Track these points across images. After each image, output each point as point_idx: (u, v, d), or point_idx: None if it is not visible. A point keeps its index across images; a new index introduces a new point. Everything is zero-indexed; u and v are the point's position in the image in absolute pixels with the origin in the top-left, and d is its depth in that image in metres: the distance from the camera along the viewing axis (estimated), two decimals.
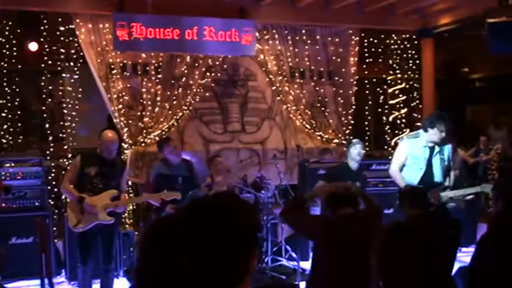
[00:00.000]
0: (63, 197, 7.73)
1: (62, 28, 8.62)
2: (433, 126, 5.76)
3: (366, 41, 10.41)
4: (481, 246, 3.66)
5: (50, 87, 9.40)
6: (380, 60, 11.00)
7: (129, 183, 8.03)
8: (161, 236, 1.62)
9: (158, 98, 8.72)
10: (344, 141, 9.82)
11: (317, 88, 9.77)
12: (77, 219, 5.66)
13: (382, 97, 11.17)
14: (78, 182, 5.71)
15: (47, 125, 9.16)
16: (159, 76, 8.74)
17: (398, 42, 10.70)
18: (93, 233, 5.71)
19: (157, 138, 8.64)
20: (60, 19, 8.61)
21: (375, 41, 10.63)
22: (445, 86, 14.33)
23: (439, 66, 11.76)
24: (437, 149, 5.87)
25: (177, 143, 6.47)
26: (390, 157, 7.32)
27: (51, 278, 4.83)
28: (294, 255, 7.59)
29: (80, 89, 8.89)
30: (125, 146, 8.47)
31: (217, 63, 9.23)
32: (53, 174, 8.63)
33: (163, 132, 8.70)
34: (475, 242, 4.10)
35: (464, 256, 6.58)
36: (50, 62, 8.89)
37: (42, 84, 9.28)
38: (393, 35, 10.67)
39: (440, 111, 9.35)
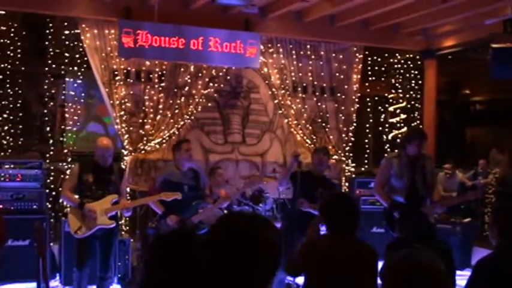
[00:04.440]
0: (61, 201, 7.72)
1: (67, 32, 8.65)
2: (411, 142, 5.89)
3: (369, 58, 10.48)
4: (478, 271, 3.65)
5: (53, 91, 9.41)
6: (383, 78, 11.05)
7: (128, 189, 8.02)
8: (182, 249, 1.61)
9: (160, 106, 8.74)
10: (343, 158, 9.83)
11: (319, 103, 9.80)
12: (78, 225, 5.68)
13: (383, 115, 11.22)
14: (77, 189, 5.80)
15: (48, 128, 9.16)
16: (162, 84, 8.76)
17: (402, 61, 10.77)
18: (92, 240, 5.73)
19: (157, 146, 8.68)
20: (66, 23, 8.64)
21: (379, 59, 10.70)
22: (446, 107, 14.41)
23: (441, 87, 11.81)
24: (418, 164, 5.93)
25: (188, 147, 6.40)
26: None
27: (48, 282, 4.81)
28: None
29: (83, 94, 8.92)
30: (125, 152, 8.48)
31: (220, 74, 9.25)
32: (51, 178, 8.61)
33: (164, 140, 8.71)
34: (470, 266, 4.11)
35: (460, 279, 6.56)
36: (53, 66, 8.91)
37: (45, 87, 9.29)
38: (397, 54, 10.74)
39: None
